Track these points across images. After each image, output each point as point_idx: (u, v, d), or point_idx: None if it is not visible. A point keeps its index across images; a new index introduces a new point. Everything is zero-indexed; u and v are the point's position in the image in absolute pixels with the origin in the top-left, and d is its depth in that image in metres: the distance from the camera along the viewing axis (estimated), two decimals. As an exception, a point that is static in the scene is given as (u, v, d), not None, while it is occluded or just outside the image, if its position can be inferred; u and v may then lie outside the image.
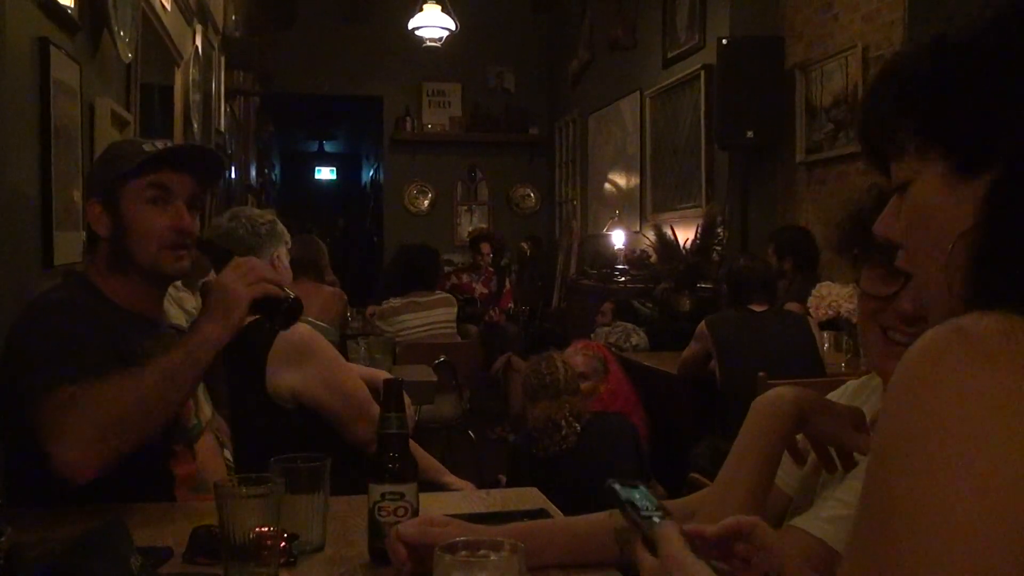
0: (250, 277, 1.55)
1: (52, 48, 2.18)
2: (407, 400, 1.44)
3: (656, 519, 0.82)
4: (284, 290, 1.60)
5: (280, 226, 2.36)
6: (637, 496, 0.86)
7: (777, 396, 1.12)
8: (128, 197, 1.63)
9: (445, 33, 7.37)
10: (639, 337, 4.92)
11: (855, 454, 1.11)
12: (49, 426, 1.41)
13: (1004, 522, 0.57)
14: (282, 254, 2.35)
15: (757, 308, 3.70)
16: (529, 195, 9.83)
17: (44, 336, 1.53)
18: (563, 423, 2.98)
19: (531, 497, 1.68)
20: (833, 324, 3.88)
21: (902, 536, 0.59)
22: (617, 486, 0.87)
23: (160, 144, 1.69)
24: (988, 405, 0.60)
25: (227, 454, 1.80)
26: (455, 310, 5.05)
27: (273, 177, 11.79)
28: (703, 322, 3.82)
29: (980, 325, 0.62)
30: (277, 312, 1.59)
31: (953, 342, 0.62)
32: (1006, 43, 0.70)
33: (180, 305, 2.73)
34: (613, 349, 4.50)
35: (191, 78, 4.37)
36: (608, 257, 7.21)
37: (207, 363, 1.51)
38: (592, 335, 4.94)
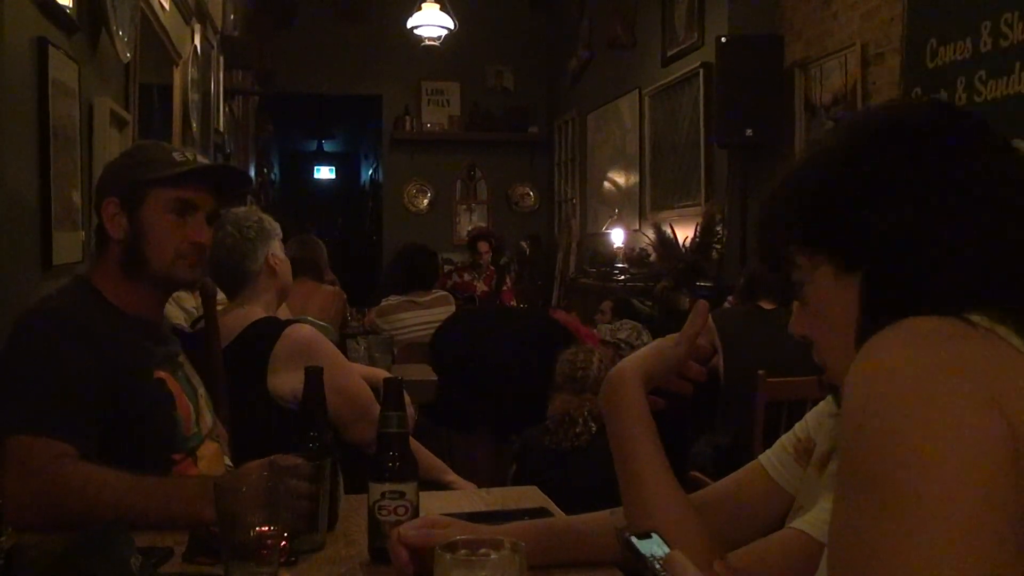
0: None
1: (50, 48, 2.17)
2: (407, 399, 1.44)
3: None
4: None
5: (267, 222, 2.29)
6: (652, 547, 0.83)
7: (619, 382, 1.16)
8: (151, 204, 1.62)
9: (444, 32, 7.36)
10: (649, 336, 4.91)
11: None
12: None
13: (986, 549, 0.57)
14: (276, 249, 2.29)
15: (767, 306, 3.69)
16: (528, 194, 9.82)
17: (21, 364, 1.50)
18: (580, 420, 2.95)
19: (532, 496, 1.69)
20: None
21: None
22: (634, 539, 0.84)
23: (190, 154, 1.69)
24: (950, 423, 0.60)
25: (227, 461, 1.79)
26: (453, 309, 5.04)
27: (272, 177, 11.78)
28: (708, 316, 3.81)
29: (925, 327, 0.65)
30: None
31: (903, 359, 0.65)
32: (859, 163, 0.83)
33: (180, 304, 2.73)
34: (623, 346, 4.48)
35: (190, 77, 4.37)
36: (607, 256, 7.21)
37: (170, 525, 1.39)
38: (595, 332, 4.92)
